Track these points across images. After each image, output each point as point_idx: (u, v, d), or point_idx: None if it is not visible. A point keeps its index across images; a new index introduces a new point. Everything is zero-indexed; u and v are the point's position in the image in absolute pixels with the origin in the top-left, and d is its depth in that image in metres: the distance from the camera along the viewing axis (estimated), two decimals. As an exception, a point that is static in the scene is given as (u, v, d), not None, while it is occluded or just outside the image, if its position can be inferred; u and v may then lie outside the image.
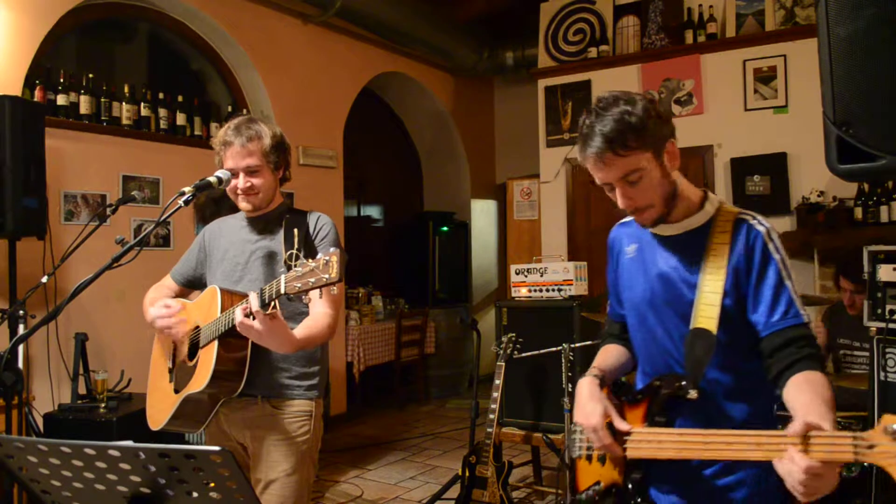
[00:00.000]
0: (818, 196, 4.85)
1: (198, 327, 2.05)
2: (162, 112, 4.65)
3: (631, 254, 1.68)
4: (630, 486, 1.54)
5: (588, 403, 1.59)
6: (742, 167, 5.19)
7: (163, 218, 2.02)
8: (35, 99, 3.92)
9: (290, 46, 5.50)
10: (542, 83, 6.16)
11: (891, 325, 2.69)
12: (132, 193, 4.22)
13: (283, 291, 1.66)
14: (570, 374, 3.30)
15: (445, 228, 7.44)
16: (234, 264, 2.13)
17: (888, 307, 2.71)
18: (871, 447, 1.09)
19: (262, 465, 2.04)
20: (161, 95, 4.67)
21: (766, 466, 1.28)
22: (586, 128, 1.49)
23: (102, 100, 4.30)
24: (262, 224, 2.15)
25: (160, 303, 2.11)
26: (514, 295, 4.11)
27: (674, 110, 5.45)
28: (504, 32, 7.16)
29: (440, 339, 7.01)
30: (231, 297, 1.98)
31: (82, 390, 3.59)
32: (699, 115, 5.39)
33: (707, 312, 1.49)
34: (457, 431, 5.63)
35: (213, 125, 4.97)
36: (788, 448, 1.19)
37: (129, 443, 1.10)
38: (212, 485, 1.10)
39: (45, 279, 2.24)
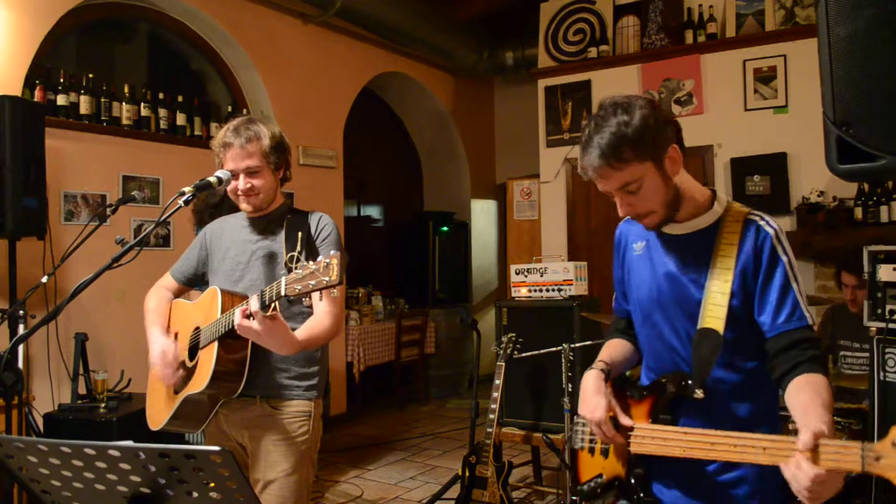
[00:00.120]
0: (818, 196, 4.85)
1: (198, 328, 2.05)
2: (162, 112, 4.65)
3: (638, 251, 1.68)
4: (633, 480, 1.58)
5: (593, 398, 1.61)
6: (742, 167, 5.19)
7: (163, 218, 2.02)
8: (35, 99, 3.92)
9: (290, 46, 5.50)
10: (542, 83, 6.16)
11: (891, 325, 2.69)
12: (132, 193, 4.22)
13: (283, 293, 1.67)
14: (570, 374, 3.30)
15: (445, 228, 7.44)
16: (236, 264, 2.14)
17: (888, 307, 2.71)
18: (878, 459, 1.11)
19: (261, 465, 2.04)
20: (161, 95, 4.67)
21: (768, 465, 1.29)
22: (585, 138, 1.49)
23: (102, 100, 4.29)
24: (263, 224, 2.15)
25: (160, 349, 2.07)
26: (514, 295, 4.10)
27: (674, 110, 5.45)
28: (504, 32, 7.16)
29: (440, 339, 7.01)
30: (231, 299, 1.98)
31: (82, 390, 3.59)
32: (699, 115, 5.38)
33: (714, 313, 1.50)
34: (457, 431, 5.63)
35: (213, 125, 4.97)
36: (796, 455, 1.20)
37: (129, 443, 1.10)
38: (212, 485, 1.10)
39: (45, 279, 2.24)
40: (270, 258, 2.10)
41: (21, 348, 3.12)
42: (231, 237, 2.19)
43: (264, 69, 5.25)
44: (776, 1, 5.18)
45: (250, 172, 2.05)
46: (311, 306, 2.04)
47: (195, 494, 1.13)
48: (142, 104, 4.51)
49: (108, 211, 2.80)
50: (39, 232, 3.44)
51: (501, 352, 3.57)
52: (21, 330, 2.93)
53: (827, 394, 1.36)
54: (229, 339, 1.90)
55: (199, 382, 1.93)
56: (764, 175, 5.10)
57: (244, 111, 5.16)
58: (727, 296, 1.49)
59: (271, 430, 2.04)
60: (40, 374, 3.81)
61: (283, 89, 5.40)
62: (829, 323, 3.73)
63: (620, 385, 1.72)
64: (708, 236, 1.55)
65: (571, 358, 3.33)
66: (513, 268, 4.16)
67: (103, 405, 3.37)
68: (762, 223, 1.52)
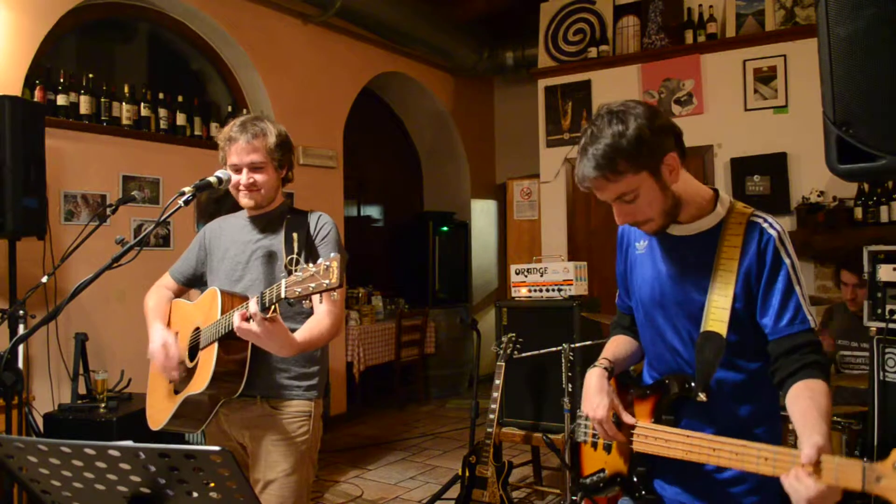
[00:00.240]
0: (818, 196, 4.85)
1: (198, 329, 2.05)
2: (162, 112, 4.65)
3: (641, 250, 1.68)
4: (636, 478, 1.60)
5: (595, 396, 1.62)
6: (742, 167, 5.19)
7: (163, 218, 2.02)
8: (35, 99, 3.92)
9: (290, 46, 5.50)
10: (542, 83, 6.16)
11: (891, 325, 2.69)
12: (132, 193, 4.22)
13: (283, 296, 1.67)
14: (570, 374, 3.30)
15: (445, 228, 7.44)
16: (235, 263, 2.14)
17: (888, 307, 2.71)
18: (878, 479, 1.11)
19: (261, 465, 2.04)
20: (161, 95, 4.67)
21: None
22: (580, 148, 1.49)
23: (102, 100, 4.29)
24: (263, 223, 2.15)
25: (162, 340, 2.07)
26: (514, 295, 4.10)
27: (674, 110, 5.45)
28: (504, 32, 7.16)
29: (440, 339, 7.01)
30: (231, 299, 1.98)
31: (82, 390, 3.59)
32: (699, 115, 5.39)
33: (717, 316, 1.50)
34: (457, 431, 5.63)
35: (213, 125, 4.97)
36: (797, 468, 1.22)
37: (129, 443, 1.10)
38: (212, 485, 1.10)
39: (45, 279, 2.24)
40: (270, 257, 2.10)
41: (21, 348, 3.12)
42: (230, 237, 2.19)
43: (264, 69, 5.25)
44: (776, 1, 5.18)
45: (254, 168, 2.06)
46: (311, 306, 2.04)
47: (195, 494, 1.13)
48: (142, 104, 4.51)
49: (108, 211, 2.80)
50: (39, 232, 3.44)
51: (501, 352, 3.57)
52: (21, 330, 2.93)
53: (825, 400, 1.38)
54: (229, 339, 1.90)
55: (200, 383, 1.93)
56: (764, 175, 5.10)
57: (244, 111, 5.16)
58: (730, 299, 1.49)
59: (271, 430, 2.04)
60: (40, 374, 3.80)
61: (283, 89, 5.40)
62: (829, 323, 3.73)
63: (624, 382, 1.73)
64: (711, 238, 1.54)
65: (571, 358, 3.33)
66: (513, 268, 4.16)
67: (103, 405, 3.37)
68: (765, 225, 1.51)
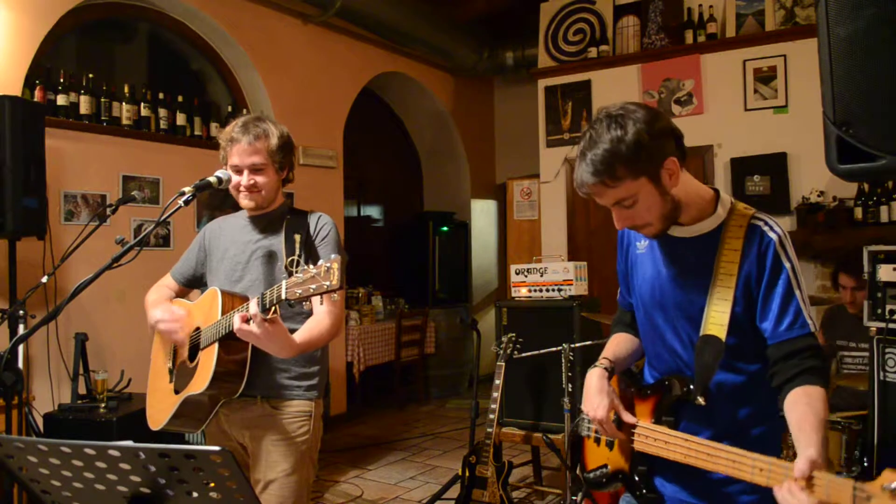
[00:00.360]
0: (818, 196, 4.85)
1: (198, 329, 2.05)
2: (162, 112, 4.65)
3: (642, 249, 1.68)
4: (636, 477, 1.61)
5: (595, 396, 1.62)
6: (742, 167, 5.19)
7: (163, 218, 2.02)
8: (35, 99, 3.92)
9: (290, 46, 5.50)
10: (542, 83, 6.16)
11: (891, 325, 2.69)
12: (132, 193, 4.22)
13: (284, 297, 1.67)
14: (570, 374, 3.30)
15: (445, 228, 7.44)
16: (235, 263, 2.13)
17: (888, 307, 2.71)
18: (868, 499, 1.12)
19: (262, 465, 2.04)
20: (161, 95, 4.67)
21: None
22: (578, 153, 1.48)
23: (102, 100, 4.29)
24: (263, 223, 2.15)
25: (164, 306, 2.10)
26: (514, 295, 4.10)
27: (674, 110, 5.45)
28: (504, 32, 7.16)
29: (440, 339, 7.01)
30: (232, 300, 1.98)
31: (82, 390, 3.59)
32: (699, 115, 5.39)
33: (717, 319, 1.50)
34: (457, 431, 5.63)
35: (213, 125, 4.97)
36: (790, 481, 1.24)
37: (129, 443, 1.10)
38: (212, 485, 1.10)
39: (45, 279, 2.24)
40: (270, 258, 2.10)
41: (21, 348, 3.12)
42: (230, 237, 2.19)
43: (264, 69, 5.25)
44: (776, 1, 5.18)
45: (255, 169, 2.05)
46: (310, 307, 2.04)
47: (195, 494, 1.13)
48: (142, 104, 4.51)
49: (108, 211, 2.81)
50: (39, 232, 3.44)
51: (501, 352, 3.57)
52: (21, 330, 2.93)
53: (822, 407, 1.38)
54: (230, 340, 1.90)
55: (200, 383, 1.93)
56: (764, 175, 5.10)
57: (244, 111, 5.16)
58: (730, 302, 1.49)
59: (272, 430, 2.04)
60: (40, 374, 3.80)
61: (283, 89, 5.40)
62: (829, 323, 3.73)
63: (626, 380, 1.74)
64: (711, 241, 1.54)
65: (571, 358, 3.33)
66: (513, 268, 4.16)
67: (103, 405, 3.37)
68: (766, 228, 1.51)
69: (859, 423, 2.88)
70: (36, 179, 3.36)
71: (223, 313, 1.93)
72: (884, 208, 4.59)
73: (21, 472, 1.21)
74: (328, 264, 1.59)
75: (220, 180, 2.07)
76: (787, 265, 1.48)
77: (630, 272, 1.74)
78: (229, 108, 5.24)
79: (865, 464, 2.80)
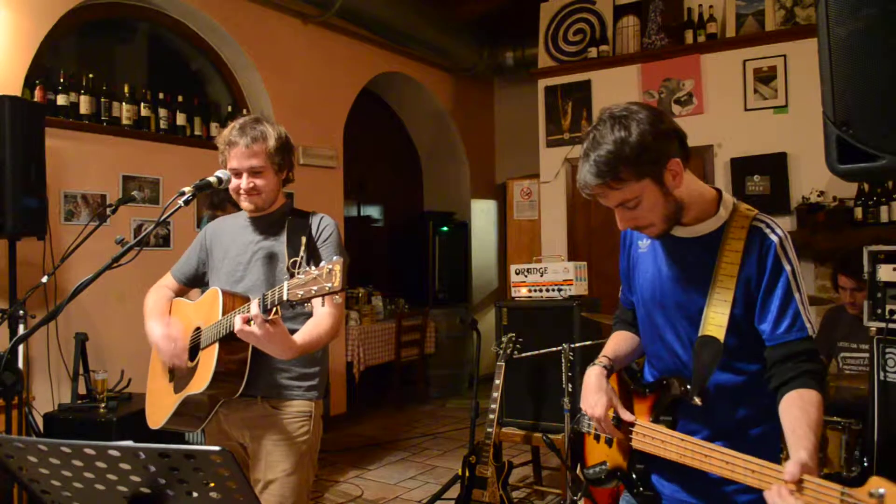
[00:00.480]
0: (818, 196, 4.85)
1: (198, 329, 2.05)
2: (162, 112, 4.65)
3: (644, 248, 1.68)
4: (634, 475, 1.62)
5: (594, 394, 1.63)
6: (742, 167, 5.19)
7: (163, 218, 2.02)
8: (35, 99, 3.92)
9: (290, 46, 5.50)
10: (542, 83, 6.16)
11: (891, 325, 2.69)
12: (132, 193, 4.22)
13: (285, 298, 1.67)
14: (570, 374, 3.30)
15: (445, 228, 7.44)
16: (236, 264, 2.13)
17: (888, 307, 2.71)
18: None
19: (262, 465, 2.04)
20: (161, 95, 4.67)
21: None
22: (582, 153, 1.47)
23: (102, 100, 4.29)
24: (264, 224, 2.15)
25: (164, 331, 2.08)
26: (514, 295, 4.10)
27: (674, 110, 5.45)
28: (504, 32, 7.16)
29: (440, 339, 7.01)
30: (233, 300, 1.98)
31: (82, 390, 3.59)
32: (699, 115, 5.38)
33: (716, 320, 1.50)
34: (457, 431, 5.63)
35: (213, 125, 4.97)
36: (779, 484, 1.24)
37: (129, 443, 1.10)
38: (212, 485, 1.10)
39: (45, 279, 2.24)
40: (271, 259, 2.10)
41: (21, 348, 3.12)
42: (232, 237, 2.19)
43: (264, 69, 5.25)
44: (776, 1, 5.18)
45: (254, 172, 2.05)
46: (311, 308, 2.04)
47: (195, 494, 1.12)
48: (142, 104, 4.51)
49: (108, 211, 2.81)
50: (39, 232, 3.44)
51: (501, 352, 3.57)
52: (21, 330, 2.93)
53: (815, 411, 1.39)
54: (230, 340, 1.90)
55: (200, 383, 1.93)
56: (764, 175, 5.10)
57: (244, 111, 5.17)
58: (729, 303, 1.49)
59: (272, 430, 2.04)
60: (40, 374, 3.80)
61: (283, 89, 5.41)
62: (829, 324, 3.73)
63: (626, 378, 1.75)
64: (712, 242, 1.54)
65: (571, 358, 3.33)
66: (513, 268, 4.16)
67: (103, 405, 3.36)
68: (767, 231, 1.51)
69: (859, 423, 2.88)
70: (36, 179, 3.36)
71: (224, 313, 1.93)
72: (884, 208, 4.59)
73: (21, 472, 1.21)
74: (330, 266, 1.59)
75: (220, 180, 2.07)
76: (788, 268, 1.48)
77: (632, 271, 1.74)
78: (229, 108, 5.24)
79: (865, 464, 2.79)
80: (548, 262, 4.09)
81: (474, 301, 7.81)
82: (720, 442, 1.45)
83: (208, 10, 4.86)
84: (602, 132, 1.44)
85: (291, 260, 2.00)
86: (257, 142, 2.04)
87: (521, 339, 3.58)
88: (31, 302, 3.03)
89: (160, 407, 2.12)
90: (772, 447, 1.56)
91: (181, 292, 2.32)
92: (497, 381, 3.52)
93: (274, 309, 1.76)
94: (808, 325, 1.47)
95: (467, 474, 3.53)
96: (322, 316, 1.99)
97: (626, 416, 1.60)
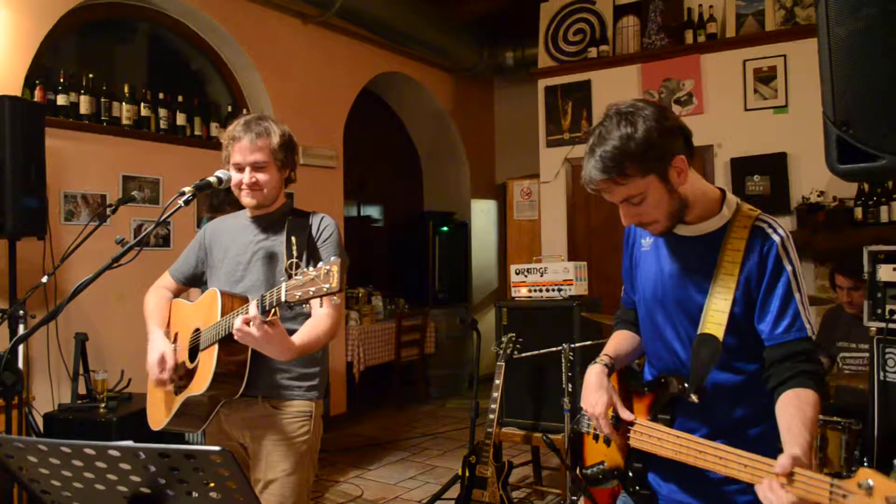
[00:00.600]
0: (818, 196, 4.85)
1: (198, 329, 2.05)
2: (162, 112, 4.65)
3: (647, 247, 1.69)
4: (631, 473, 1.63)
5: (594, 392, 1.63)
6: (742, 167, 5.19)
7: (163, 218, 2.02)
8: (35, 99, 3.92)
9: (290, 46, 5.50)
10: (542, 83, 6.16)
11: (891, 325, 2.69)
12: (132, 193, 4.22)
13: (283, 299, 1.67)
14: (570, 374, 3.30)
15: (445, 228, 7.44)
16: (236, 264, 2.13)
17: (888, 307, 2.71)
18: (844, 496, 1.13)
19: (262, 464, 2.04)
20: (161, 95, 4.67)
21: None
22: (588, 148, 1.48)
23: (102, 100, 4.30)
24: (264, 223, 2.15)
25: (159, 354, 2.06)
26: (514, 295, 4.10)
27: (674, 110, 5.44)
28: (504, 32, 7.16)
29: (440, 339, 7.01)
30: (231, 301, 1.98)
31: (82, 390, 3.59)
32: (699, 115, 5.38)
33: (716, 319, 1.51)
34: (457, 431, 5.63)
35: (214, 125, 4.97)
36: (770, 477, 1.24)
37: (129, 443, 1.10)
38: (212, 485, 1.10)
39: (45, 279, 2.24)
40: (271, 258, 2.10)
41: (21, 348, 3.12)
42: (232, 237, 2.19)
43: (264, 69, 5.25)
44: (776, 1, 5.18)
45: (257, 167, 2.06)
46: (309, 309, 2.04)
47: (195, 494, 1.12)
48: (142, 104, 4.51)
49: (108, 211, 2.81)
50: (39, 232, 3.44)
51: (501, 352, 3.57)
52: (21, 330, 2.93)
53: (811, 410, 1.39)
54: (229, 342, 1.90)
55: (200, 384, 1.93)
56: (764, 175, 5.10)
57: (244, 111, 5.16)
58: (729, 302, 1.50)
59: (272, 430, 2.04)
60: (40, 374, 3.80)
61: (283, 89, 5.41)
62: (829, 324, 3.73)
63: (626, 378, 1.75)
64: (715, 240, 1.55)
65: (571, 358, 3.33)
66: (513, 268, 4.16)
67: (103, 405, 3.36)
68: (769, 230, 1.51)
69: (859, 423, 2.88)
70: (36, 179, 3.36)
71: (223, 314, 1.93)
72: (884, 208, 4.59)
73: (21, 472, 1.21)
74: (328, 267, 1.59)
75: (220, 180, 2.07)
76: (789, 268, 1.49)
77: (634, 270, 1.74)
78: (229, 108, 5.24)
79: (865, 464, 2.80)
80: (548, 262, 4.09)
81: (474, 301, 7.81)
82: (719, 440, 1.46)
83: (208, 10, 4.86)
84: (608, 128, 1.45)
85: (290, 261, 2.00)
86: (262, 137, 2.04)
87: (521, 339, 3.58)
88: (31, 302, 3.03)
89: (161, 408, 2.12)
90: (771, 447, 1.56)
91: (180, 292, 2.31)
92: (497, 381, 3.52)
93: (273, 310, 1.76)
94: (807, 325, 1.48)
95: (467, 474, 3.53)
96: (320, 317, 1.99)
97: (625, 415, 1.60)
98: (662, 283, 1.62)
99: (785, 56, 5.09)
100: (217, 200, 3.03)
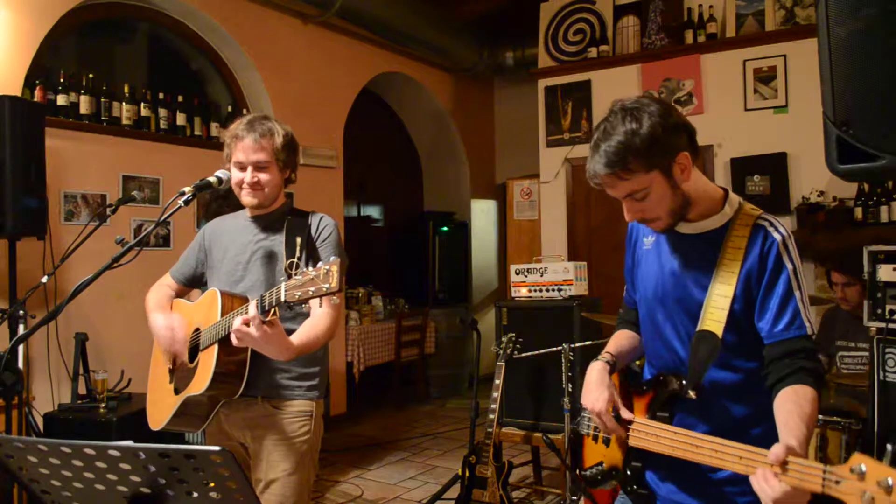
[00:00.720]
0: (818, 196, 4.85)
1: (198, 330, 2.05)
2: (162, 112, 4.65)
3: (648, 245, 1.69)
4: (629, 472, 1.63)
5: (595, 389, 1.63)
6: (742, 167, 5.19)
7: (163, 218, 2.02)
8: (35, 99, 3.92)
9: (290, 46, 5.50)
10: (542, 83, 6.16)
11: (891, 325, 2.68)
12: (132, 193, 4.22)
13: (283, 299, 1.67)
14: (570, 374, 3.30)
15: (445, 228, 7.44)
16: (236, 264, 2.13)
17: (888, 307, 2.71)
18: (837, 482, 1.13)
19: (263, 464, 2.04)
20: (161, 95, 4.67)
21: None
22: (592, 143, 1.49)
23: (102, 100, 4.29)
24: (264, 223, 2.15)
25: (166, 322, 2.10)
26: (514, 295, 4.10)
27: (674, 110, 5.45)
28: (504, 32, 7.16)
29: (440, 339, 7.01)
30: (231, 300, 1.98)
31: (82, 390, 3.59)
32: (699, 115, 5.38)
33: (715, 316, 1.51)
34: (457, 431, 5.63)
35: (214, 125, 4.97)
36: (764, 467, 1.25)
37: (129, 443, 1.10)
38: (212, 485, 1.10)
39: (45, 279, 2.24)
40: (271, 258, 2.10)
41: (21, 348, 3.12)
42: (231, 237, 2.19)
43: (264, 69, 5.25)
44: (776, 1, 5.18)
45: (259, 167, 2.06)
46: (308, 309, 2.04)
47: (195, 494, 1.12)
48: (142, 104, 4.51)
49: (108, 211, 2.80)
50: (39, 232, 3.44)
51: (501, 352, 3.57)
52: (21, 330, 2.93)
53: (809, 406, 1.39)
54: (229, 342, 1.90)
55: (200, 384, 1.93)
56: (764, 175, 5.10)
57: (244, 111, 5.16)
58: (729, 299, 1.50)
59: (272, 430, 2.04)
60: (40, 374, 3.80)
61: (283, 89, 5.41)
62: (828, 324, 3.73)
63: (625, 377, 1.75)
64: (716, 238, 1.55)
65: (571, 358, 3.33)
66: (513, 268, 4.16)
67: (103, 405, 3.37)
68: (770, 229, 1.52)
69: (859, 423, 2.88)
70: (36, 179, 3.36)
71: (223, 314, 1.93)
72: (884, 208, 4.59)
73: (21, 472, 1.21)
74: (327, 267, 1.59)
75: (220, 180, 2.07)
76: (789, 266, 1.49)
77: (636, 268, 1.75)
78: (229, 108, 5.24)
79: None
80: (548, 262, 4.09)
81: (474, 301, 7.81)
82: None
83: (208, 10, 4.86)
84: (613, 123, 1.45)
85: (289, 261, 2.00)
86: (265, 137, 2.05)
87: (521, 339, 3.58)
88: (31, 302, 3.03)
89: (161, 408, 2.12)
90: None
91: (181, 293, 2.32)
92: (497, 381, 3.52)
93: (272, 310, 1.76)
94: (807, 323, 1.48)
95: (467, 474, 3.53)
96: (319, 316, 1.99)
97: (625, 413, 1.61)
98: (663, 281, 1.62)
99: (785, 56, 5.09)
100: (217, 205, 3.03)
